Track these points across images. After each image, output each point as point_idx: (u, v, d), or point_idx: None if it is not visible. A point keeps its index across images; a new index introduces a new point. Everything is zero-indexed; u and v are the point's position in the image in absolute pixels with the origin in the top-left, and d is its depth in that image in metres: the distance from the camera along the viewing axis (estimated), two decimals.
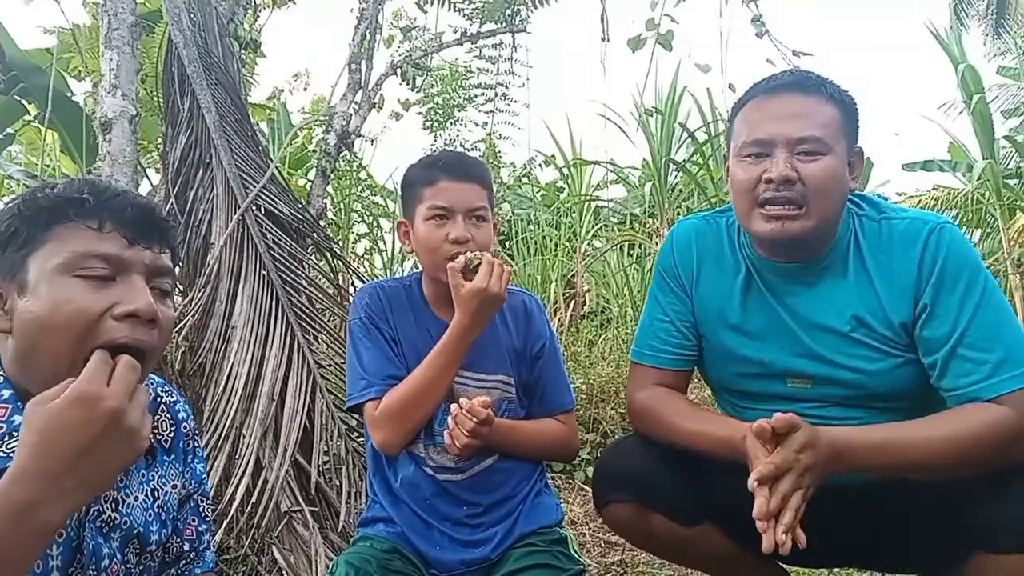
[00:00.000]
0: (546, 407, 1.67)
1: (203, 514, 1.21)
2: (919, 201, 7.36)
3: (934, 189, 7.60)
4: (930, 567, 1.44)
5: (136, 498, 1.06)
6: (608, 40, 4.68)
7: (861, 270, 1.43)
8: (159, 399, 1.15)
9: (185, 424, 1.17)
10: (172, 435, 1.15)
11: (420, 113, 6.34)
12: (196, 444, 1.20)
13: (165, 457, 1.14)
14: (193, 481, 1.19)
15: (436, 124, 6.38)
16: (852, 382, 1.42)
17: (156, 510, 1.09)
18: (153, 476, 1.11)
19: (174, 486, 1.14)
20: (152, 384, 1.15)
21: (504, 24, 4.89)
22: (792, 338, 1.46)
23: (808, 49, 4.25)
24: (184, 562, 1.18)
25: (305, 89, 6.51)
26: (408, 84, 4.46)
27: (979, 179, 6.49)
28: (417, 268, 1.81)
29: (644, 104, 7.12)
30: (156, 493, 1.10)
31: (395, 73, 4.35)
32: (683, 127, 7.92)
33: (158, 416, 1.14)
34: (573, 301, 6.39)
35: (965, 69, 6.38)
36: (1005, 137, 6.65)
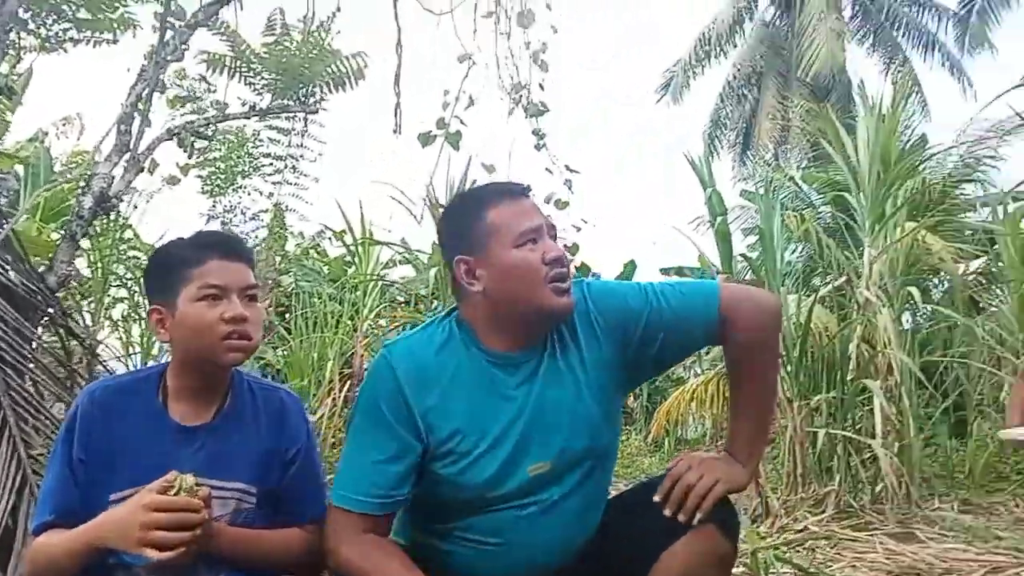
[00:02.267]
0: (294, 517, 1.56)
1: None
2: None
3: None
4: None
5: None
6: (400, 133, 4.83)
7: (577, 336, 1.55)
8: None
9: None
10: None
11: (200, 176, 6.04)
12: None
13: None
14: None
15: (216, 188, 6.10)
16: (595, 447, 1.54)
17: None
18: None
19: None
20: None
21: (296, 102, 4.86)
22: (544, 427, 1.50)
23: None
24: None
25: (79, 138, 5.98)
26: (185, 151, 4.27)
27: None
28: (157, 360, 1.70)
29: (436, 192, 7.33)
30: None
31: (171, 138, 4.15)
32: None
33: None
34: (350, 381, 6.27)
35: (712, 193, 7.34)
36: (741, 254, 7.65)
